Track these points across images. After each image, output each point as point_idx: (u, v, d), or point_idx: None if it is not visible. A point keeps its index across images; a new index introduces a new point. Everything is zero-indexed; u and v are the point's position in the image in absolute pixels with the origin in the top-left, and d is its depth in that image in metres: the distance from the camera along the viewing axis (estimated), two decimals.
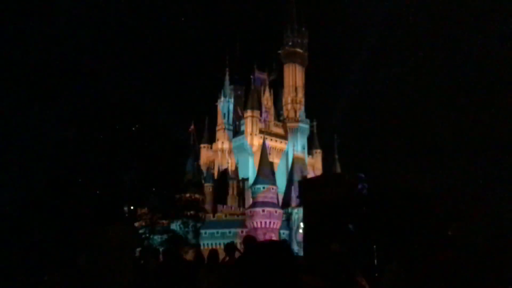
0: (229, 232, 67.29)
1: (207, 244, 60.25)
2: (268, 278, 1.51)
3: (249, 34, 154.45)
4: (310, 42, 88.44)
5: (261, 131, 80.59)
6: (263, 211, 68.17)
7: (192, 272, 6.66)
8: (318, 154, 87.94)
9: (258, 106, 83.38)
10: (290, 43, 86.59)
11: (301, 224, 61.91)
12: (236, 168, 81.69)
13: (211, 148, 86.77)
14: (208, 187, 75.96)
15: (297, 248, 59.71)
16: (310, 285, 2.74)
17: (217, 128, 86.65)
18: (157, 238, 32.61)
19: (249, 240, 7.04)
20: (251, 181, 75.68)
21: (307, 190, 57.14)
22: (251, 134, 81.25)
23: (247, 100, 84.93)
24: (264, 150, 74.19)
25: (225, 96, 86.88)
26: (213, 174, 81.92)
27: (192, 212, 33.84)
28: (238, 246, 9.49)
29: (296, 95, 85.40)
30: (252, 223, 68.25)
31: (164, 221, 32.23)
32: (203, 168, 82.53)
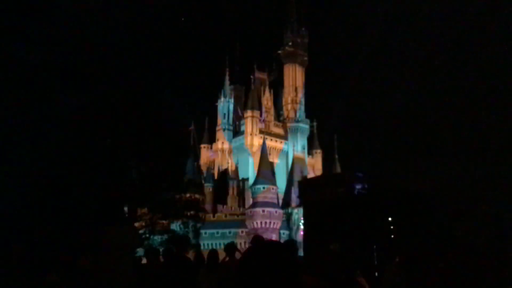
0: (229, 232, 67.32)
1: (207, 244, 60.27)
2: (268, 278, 1.51)
3: (249, 34, 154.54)
4: (310, 42, 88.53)
5: (261, 131, 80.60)
6: (263, 211, 68.17)
7: (193, 273, 6.65)
8: (318, 154, 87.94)
9: (258, 106, 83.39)
10: (290, 43, 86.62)
11: (301, 224, 61.95)
12: (236, 168, 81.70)
13: (211, 148, 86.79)
14: (208, 187, 75.97)
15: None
16: (310, 285, 2.74)
17: (217, 128, 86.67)
18: (157, 238, 32.61)
19: (257, 240, 7.04)
20: (251, 181, 75.69)
21: (307, 190, 57.27)
22: (251, 134, 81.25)
23: (247, 100, 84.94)
24: (264, 150, 74.20)
25: (225, 96, 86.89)
26: (213, 174, 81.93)
27: (192, 212, 33.82)
28: (238, 246, 9.50)
29: (296, 95, 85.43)
30: (252, 223, 68.25)
31: (164, 221, 32.22)
32: (203, 168, 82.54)
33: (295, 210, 69.33)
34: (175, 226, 34.83)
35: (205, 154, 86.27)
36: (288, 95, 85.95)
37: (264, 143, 75.33)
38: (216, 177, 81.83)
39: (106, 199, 24.19)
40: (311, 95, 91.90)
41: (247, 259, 1.61)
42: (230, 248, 7.39)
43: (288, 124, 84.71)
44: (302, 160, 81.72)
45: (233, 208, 74.87)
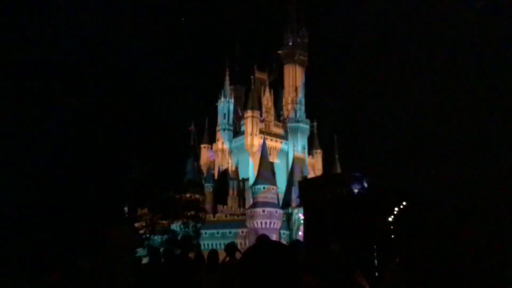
0: (230, 233, 67.31)
1: (207, 244, 60.24)
2: (268, 278, 1.51)
3: (249, 34, 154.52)
4: (310, 42, 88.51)
5: (261, 131, 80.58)
6: (264, 211, 68.14)
7: (196, 273, 6.66)
8: (318, 154, 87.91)
9: (258, 107, 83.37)
10: (290, 43, 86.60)
11: (301, 224, 61.95)
12: (236, 168, 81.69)
13: (211, 148, 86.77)
14: (208, 187, 75.95)
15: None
16: (310, 285, 2.74)
17: (217, 128, 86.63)
18: (157, 238, 32.61)
19: (262, 239, 7.04)
20: (251, 181, 75.67)
21: (307, 190, 57.23)
22: (251, 135, 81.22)
23: (247, 100, 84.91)
24: (264, 150, 74.18)
25: (225, 97, 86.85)
26: (213, 175, 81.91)
27: (192, 212, 33.84)
28: (239, 246, 9.48)
29: (296, 95, 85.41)
30: (252, 223, 68.22)
31: (164, 222, 32.22)
32: (203, 169, 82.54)
33: (295, 210, 69.32)
34: (175, 226, 34.83)
35: (205, 154, 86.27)
36: (288, 95, 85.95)
37: (264, 143, 75.33)
38: (216, 177, 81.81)
39: (106, 199, 24.20)
40: (311, 95, 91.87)
41: (248, 259, 1.61)
42: (231, 248, 7.38)
43: (288, 124, 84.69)
44: (302, 160, 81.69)
45: (233, 208, 74.87)
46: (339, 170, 78.83)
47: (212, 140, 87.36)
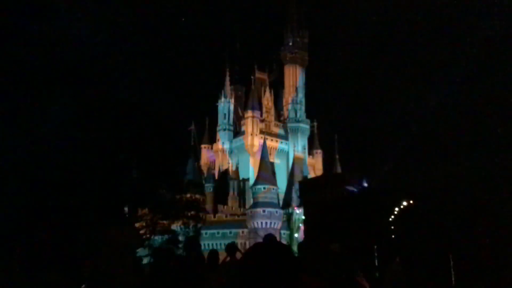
0: (230, 233, 67.35)
1: (208, 244, 60.27)
2: (269, 278, 1.51)
3: (249, 34, 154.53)
4: (310, 42, 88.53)
5: (261, 132, 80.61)
6: (264, 211, 68.19)
7: (198, 273, 6.65)
8: (318, 155, 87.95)
9: (259, 107, 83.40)
10: (290, 44, 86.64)
11: (302, 225, 61.96)
12: (237, 168, 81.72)
13: (211, 148, 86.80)
14: (208, 187, 75.99)
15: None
16: (310, 285, 2.74)
17: (218, 128, 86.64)
18: (157, 238, 32.61)
19: (269, 239, 7.06)
20: (251, 181, 75.72)
21: (308, 190, 57.20)
22: (251, 135, 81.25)
23: (247, 100, 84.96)
24: (264, 150, 74.22)
25: (225, 97, 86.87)
26: (213, 175, 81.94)
27: (192, 212, 33.85)
28: (239, 246, 9.49)
29: (297, 95, 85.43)
30: (253, 223, 68.26)
31: (164, 222, 32.21)
32: (204, 169, 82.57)
33: (296, 210, 69.37)
34: (176, 226, 34.82)
35: (206, 155, 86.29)
36: (288, 95, 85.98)
37: (264, 143, 75.36)
38: (216, 177, 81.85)
39: (106, 200, 24.20)
40: (312, 95, 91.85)
41: (248, 259, 1.62)
42: (231, 248, 7.39)
43: (289, 124, 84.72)
44: (302, 160, 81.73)
45: (233, 208, 74.91)
46: (339, 170, 78.89)
47: (212, 140, 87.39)
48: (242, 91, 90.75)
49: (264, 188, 69.83)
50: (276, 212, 69.16)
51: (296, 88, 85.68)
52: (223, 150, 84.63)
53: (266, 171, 71.85)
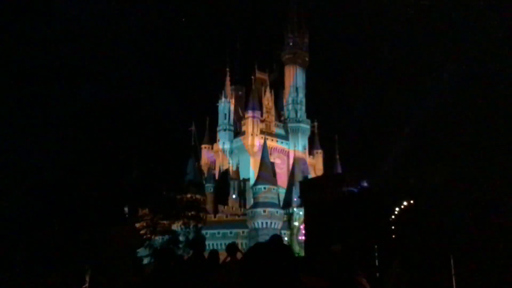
0: (230, 233, 67.37)
1: (208, 244, 60.26)
2: (269, 278, 1.51)
3: (249, 35, 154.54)
4: (311, 42, 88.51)
5: (262, 132, 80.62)
6: (264, 211, 68.21)
7: (199, 273, 6.66)
8: (319, 155, 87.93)
9: (259, 107, 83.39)
10: (290, 44, 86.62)
11: (302, 225, 61.93)
12: (237, 168, 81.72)
13: (212, 148, 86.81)
14: (209, 187, 76.01)
15: (298, 249, 59.72)
16: (310, 285, 2.74)
17: (218, 128, 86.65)
18: (158, 239, 32.62)
19: (276, 240, 7.08)
20: (252, 181, 75.72)
21: (308, 191, 57.20)
22: (252, 135, 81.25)
23: (247, 100, 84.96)
24: (265, 150, 74.24)
25: (225, 97, 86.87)
26: (214, 175, 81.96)
27: (193, 212, 33.85)
28: (239, 246, 9.50)
29: (297, 96, 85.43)
30: (253, 223, 68.28)
31: (165, 222, 32.23)
32: (204, 169, 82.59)
33: (296, 210, 69.37)
34: (176, 226, 34.84)
35: (206, 155, 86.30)
36: (289, 95, 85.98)
37: (265, 143, 75.38)
38: (217, 177, 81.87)
39: (107, 200, 24.21)
40: (312, 95, 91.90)
41: (248, 259, 1.62)
42: (232, 248, 7.39)
43: (289, 124, 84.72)
44: (303, 161, 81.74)
45: (234, 208, 74.92)
46: (339, 170, 78.82)
47: (212, 140, 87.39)
48: (242, 91, 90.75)
49: (265, 188, 69.85)
50: (277, 212, 69.19)
51: (297, 88, 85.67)
52: (223, 150, 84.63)
53: (267, 171, 71.87)
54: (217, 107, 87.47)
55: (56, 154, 23.83)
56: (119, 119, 26.80)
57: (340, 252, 5.07)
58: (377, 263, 28.06)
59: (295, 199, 71.20)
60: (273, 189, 70.42)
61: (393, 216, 35.38)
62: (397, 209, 36.00)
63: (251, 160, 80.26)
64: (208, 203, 69.30)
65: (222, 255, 7.47)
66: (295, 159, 79.93)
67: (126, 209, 28.03)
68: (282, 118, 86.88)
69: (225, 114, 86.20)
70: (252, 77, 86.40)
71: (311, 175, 78.87)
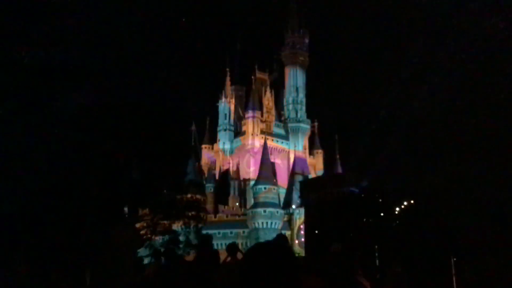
0: (231, 233, 67.36)
1: None
2: (269, 278, 1.51)
3: (249, 35, 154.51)
4: (311, 42, 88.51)
5: (262, 132, 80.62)
6: (264, 211, 68.22)
7: (200, 274, 6.66)
8: (319, 155, 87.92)
9: (259, 107, 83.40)
10: (290, 44, 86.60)
11: (302, 225, 61.93)
12: (237, 168, 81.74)
13: (212, 148, 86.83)
14: (209, 187, 76.03)
15: (298, 249, 59.73)
16: (310, 285, 2.74)
17: (218, 128, 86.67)
18: (158, 239, 32.62)
19: (281, 239, 7.08)
20: (252, 181, 75.73)
21: (308, 191, 57.06)
22: (252, 135, 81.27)
23: (248, 100, 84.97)
24: (265, 150, 74.24)
25: (226, 97, 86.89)
26: (214, 175, 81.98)
27: (193, 212, 33.88)
28: (240, 246, 9.50)
29: (297, 95, 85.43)
30: (254, 223, 68.29)
31: (165, 222, 32.25)
32: (204, 169, 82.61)
33: (296, 210, 69.37)
34: (177, 226, 34.85)
35: (206, 155, 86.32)
36: (289, 95, 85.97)
37: (265, 143, 75.38)
38: (217, 177, 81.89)
39: (107, 200, 24.21)
40: (312, 95, 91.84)
41: (248, 259, 1.62)
42: (232, 248, 7.39)
43: (289, 125, 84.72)
44: (303, 160, 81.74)
45: (234, 208, 74.94)
46: (340, 170, 78.78)
47: (213, 140, 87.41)
48: (242, 91, 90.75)
49: (265, 188, 69.86)
50: (277, 212, 69.19)
51: (297, 88, 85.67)
52: (223, 150, 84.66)
53: (267, 171, 71.87)
54: (217, 107, 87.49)
55: (56, 154, 23.83)
56: (119, 119, 26.80)
57: (340, 252, 5.07)
58: (377, 263, 28.07)
59: (295, 199, 71.21)
60: (273, 189, 70.42)
61: (393, 216, 35.42)
62: (397, 209, 36.05)
63: (251, 160, 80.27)
64: (209, 203, 69.33)
65: (223, 255, 7.47)
66: (295, 159, 79.93)
67: (126, 209, 28.04)
68: (282, 118, 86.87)
69: (225, 114, 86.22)
70: (252, 77, 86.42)
71: (311, 175, 78.86)
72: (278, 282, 1.49)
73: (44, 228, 21.53)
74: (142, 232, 30.54)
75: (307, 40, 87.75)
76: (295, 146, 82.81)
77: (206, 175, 79.73)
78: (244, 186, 79.57)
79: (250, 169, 79.69)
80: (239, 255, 6.96)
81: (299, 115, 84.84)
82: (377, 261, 28.30)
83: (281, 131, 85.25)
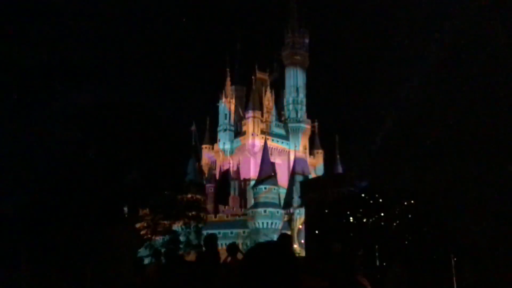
0: (231, 233, 67.37)
1: None
2: (269, 278, 1.51)
3: (249, 35, 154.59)
4: (311, 42, 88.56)
5: (262, 132, 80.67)
6: (265, 211, 68.23)
7: (201, 274, 6.66)
8: (319, 154, 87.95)
9: (260, 107, 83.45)
10: (290, 44, 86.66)
11: (303, 225, 61.93)
12: (238, 168, 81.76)
13: (212, 148, 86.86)
14: (209, 187, 76.05)
15: (298, 249, 59.73)
16: (310, 285, 2.74)
17: (218, 128, 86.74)
18: (158, 239, 32.64)
19: (284, 237, 7.10)
20: (252, 181, 75.76)
21: (309, 191, 57.09)
22: (252, 135, 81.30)
23: (248, 100, 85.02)
24: (265, 150, 74.25)
25: (226, 97, 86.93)
26: (214, 175, 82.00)
27: (193, 212, 33.91)
28: (240, 246, 9.50)
29: (297, 96, 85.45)
30: (254, 223, 68.30)
31: (165, 222, 32.26)
32: (205, 169, 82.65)
33: (297, 210, 69.39)
34: (177, 227, 34.86)
35: (207, 155, 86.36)
36: (289, 95, 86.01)
37: (265, 143, 75.41)
38: (217, 177, 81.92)
39: (107, 200, 24.20)
40: (312, 95, 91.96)
41: (248, 259, 1.62)
42: (232, 248, 7.39)
43: (290, 125, 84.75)
44: (303, 161, 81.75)
45: (234, 208, 74.98)
46: (340, 170, 78.82)
47: (213, 140, 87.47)
48: (242, 92, 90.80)
49: (265, 188, 69.87)
50: (277, 212, 69.20)
51: (297, 88, 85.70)
52: (224, 150, 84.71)
53: (267, 171, 71.89)
54: (217, 107, 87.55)
55: (57, 154, 23.83)
56: (120, 119, 26.80)
57: (340, 252, 5.07)
58: (377, 263, 28.06)
59: (295, 199, 71.23)
60: (274, 189, 70.44)
61: (393, 216, 35.40)
62: (397, 209, 36.02)
63: (252, 160, 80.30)
64: (209, 203, 69.36)
65: (223, 255, 7.47)
66: (295, 159, 79.94)
67: (126, 209, 28.03)
68: (283, 118, 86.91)
69: (226, 114, 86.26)
70: (253, 77, 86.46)
71: (312, 175, 78.89)
72: (278, 282, 1.49)
73: (44, 228, 21.52)
74: (142, 232, 30.54)
75: (307, 40, 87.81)
76: (295, 146, 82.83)
77: (206, 175, 79.77)
78: (244, 186, 79.61)
79: (250, 169, 79.73)
80: (239, 255, 6.97)
81: (299, 115, 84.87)
82: (377, 261, 28.28)
83: (281, 131, 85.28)
